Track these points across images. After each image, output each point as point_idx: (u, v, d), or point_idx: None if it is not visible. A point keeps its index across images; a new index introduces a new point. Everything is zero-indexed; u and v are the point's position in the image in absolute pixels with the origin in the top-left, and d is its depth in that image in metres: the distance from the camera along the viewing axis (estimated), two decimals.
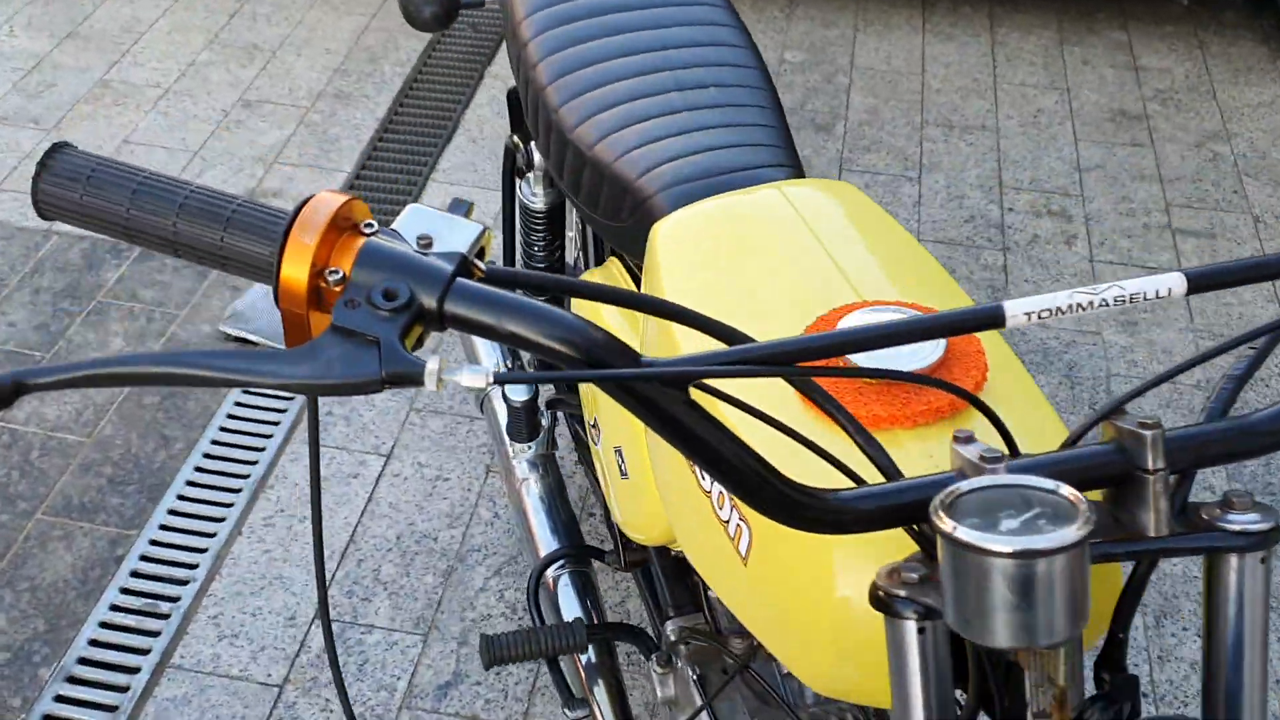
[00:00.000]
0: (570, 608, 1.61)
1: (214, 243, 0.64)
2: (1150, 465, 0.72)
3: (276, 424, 2.33)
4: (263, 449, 2.28)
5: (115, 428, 2.32)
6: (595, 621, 1.59)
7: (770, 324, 1.02)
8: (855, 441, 0.73)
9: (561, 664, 1.57)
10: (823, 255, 1.08)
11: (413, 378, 0.60)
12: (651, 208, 1.26)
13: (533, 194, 1.60)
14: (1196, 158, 3.13)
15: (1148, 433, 0.72)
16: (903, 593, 0.70)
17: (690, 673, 1.35)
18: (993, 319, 0.68)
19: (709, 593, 1.39)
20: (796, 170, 1.29)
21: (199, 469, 2.24)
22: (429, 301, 0.63)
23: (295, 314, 0.64)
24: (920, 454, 0.87)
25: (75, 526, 2.14)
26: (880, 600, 0.72)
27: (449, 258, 0.64)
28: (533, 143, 1.57)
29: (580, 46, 1.45)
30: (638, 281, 1.40)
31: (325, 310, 0.63)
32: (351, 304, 0.62)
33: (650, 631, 1.51)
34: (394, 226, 0.66)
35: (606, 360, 0.63)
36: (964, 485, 0.65)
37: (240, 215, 0.64)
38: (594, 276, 1.45)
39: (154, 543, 2.11)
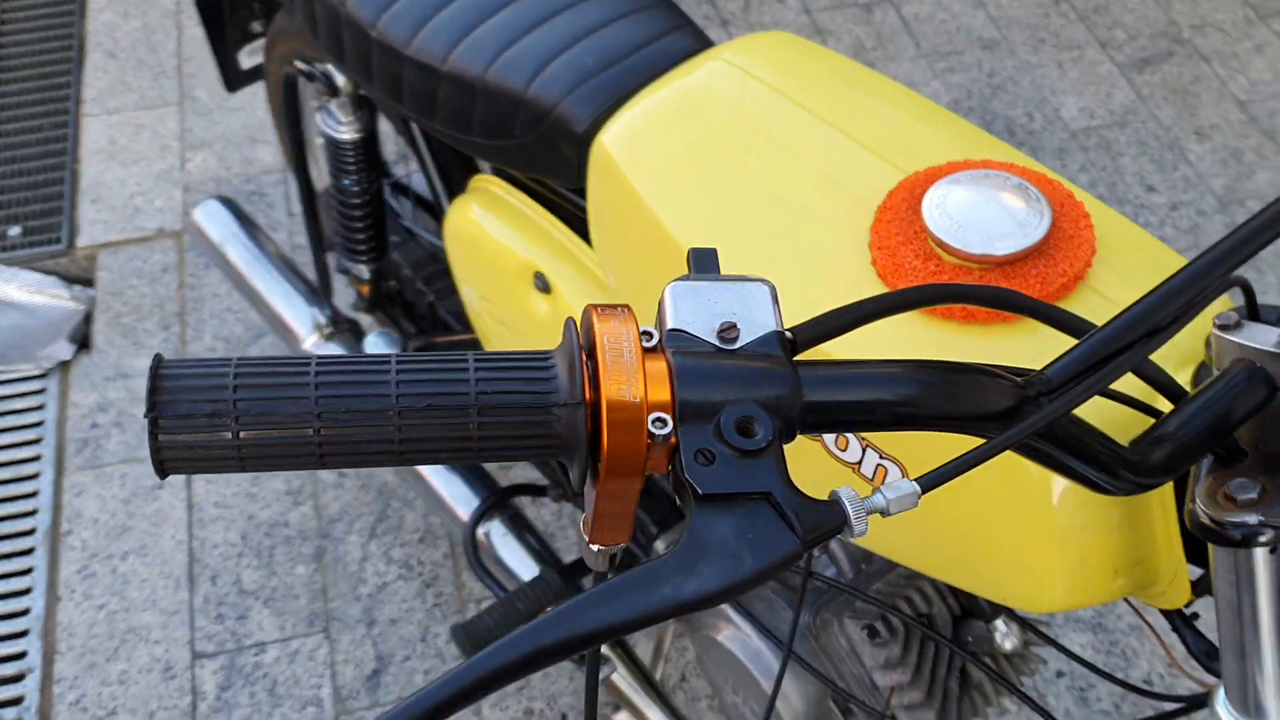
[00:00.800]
0: (522, 560, 1.46)
1: (464, 435, 0.43)
2: None
3: (36, 457, 1.96)
4: (34, 492, 1.92)
5: None
6: (562, 563, 1.45)
7: (810, 218, 0.88)
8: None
9: None
10: (818, 122, 0.94)
11: (834, 526, 0.44)
12: (561, 119, 1.06)
13: (339, 124, 1.34)
14: None
15: None
16: (1248, 519, 0.62)
17: None
18: None
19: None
20: (695, 29, 1.12)
21: None
22: (790, 414, 0.46)
23: (624, 492, 0.45)
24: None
25: None
26: (1210, 528, 0.63)
27: (767, 343, 0.46)
28: (329, 65, 1.29)
29: None
30: (536, 196, 1.20)
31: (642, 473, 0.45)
32: (705, 457, 0.44)
33: (637, 551, 1.39)
34: (670, 324, 0.47)
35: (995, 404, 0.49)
36: None
37: (490, 380, 0.44)
38: (471, 202, 1.23)
39: None
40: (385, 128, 1.45)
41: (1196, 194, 2.30)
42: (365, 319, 1.68)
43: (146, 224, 2.31)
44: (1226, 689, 0.73)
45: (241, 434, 0.43)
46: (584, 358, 0.45)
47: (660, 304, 0.48)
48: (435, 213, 1.57)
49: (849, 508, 0.45)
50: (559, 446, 0.45)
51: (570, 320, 0.47)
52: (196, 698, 1.71)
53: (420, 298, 1.55)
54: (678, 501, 0.46)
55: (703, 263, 0.49)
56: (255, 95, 2.45)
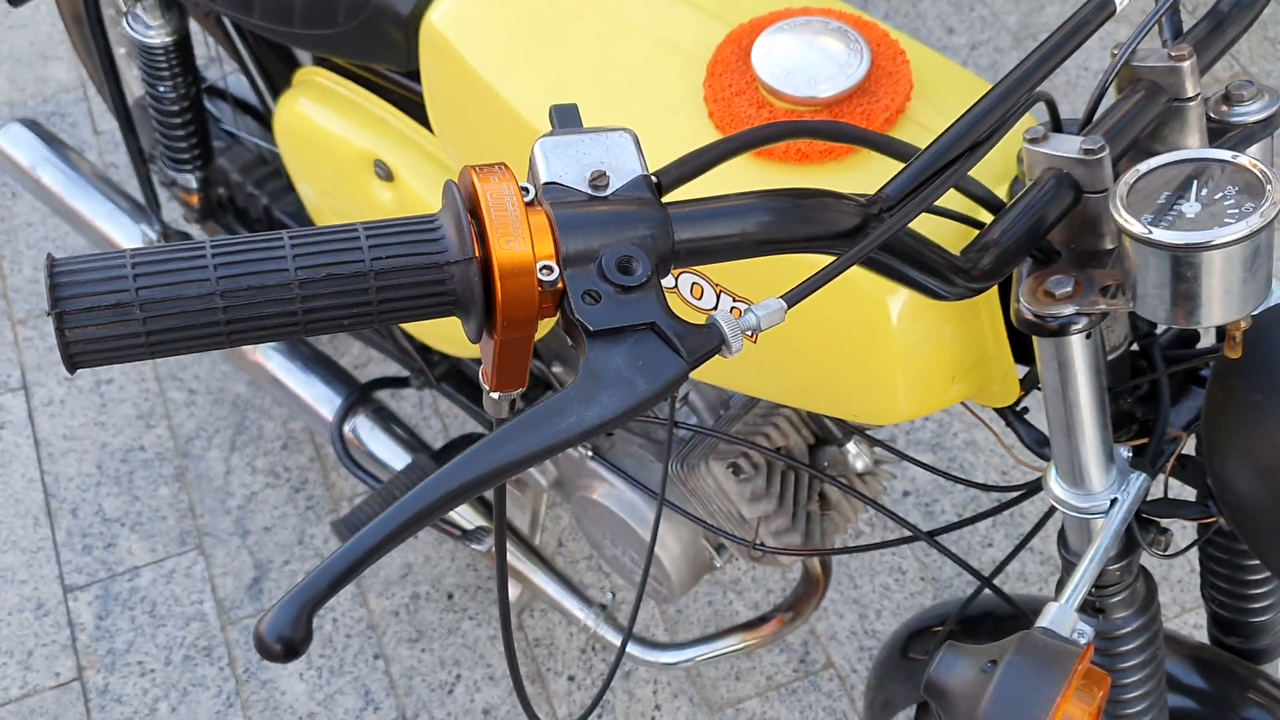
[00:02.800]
0: (392, 451, 1.48)
1: (363, 300, 0.46)
2: (1189, 92, 0.74)
3: None
4: None
5: None
6: (433, 448, 1.48)
7: (645, 78, 0.91)
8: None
9: None
10: None
11: (714, 345, 0.48)
12: (385, 2, 1.06)
13: (148, 28, 1.29)
14: None
15: (1184, 63, 0.73)
16: (1065, 310, 0.69)
17: (580, 450, 1.30)
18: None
19: (556, 368, 1.32)
20: None
21: None
22: (664, 250, 0.49)
23: (519, 340, 0.48)
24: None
25: None
26: (1034, 322, 0.71)
27: (636, 186, 0.50)
28: None
29: None
30: (366, 84, 1.20)
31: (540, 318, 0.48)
32: (591, 298, 0.47)
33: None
34: (544, 178, 0.49)
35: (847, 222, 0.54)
36: (1139, 170, 0.64)
37: (382, 247, 0.46)
38: (299, 96, 1.22)
39: None
40: (193, 28, 1.41)
41: (993, 32, 2.41)
42: (196, 230, 1.65)
43: None
44: (1057, 467, 0.82)
45: (147, 320, 0.45)
46: (468, 216, 0.48)
47: (531, 160, 0.51)
48: (258, 114, 1.54)
49: (725, 328, 0.49)
50: (454, 303, 0.48)
51: (450, 182, 0.49)
52: (75, 630, 1.70)
53: (253, 202, 1.53)
54: (569, 342, 0.50)
55: (565, 118, 0.52)
56: (38, 9, 2.31)
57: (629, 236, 0.49)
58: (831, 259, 0.55)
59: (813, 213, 0.54)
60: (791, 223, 0.53)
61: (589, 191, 0.50)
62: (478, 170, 0.48)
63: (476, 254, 0.47)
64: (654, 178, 0.52)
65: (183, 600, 1.73)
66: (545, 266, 0.47)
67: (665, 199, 0.52)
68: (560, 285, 0.48)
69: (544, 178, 0.50)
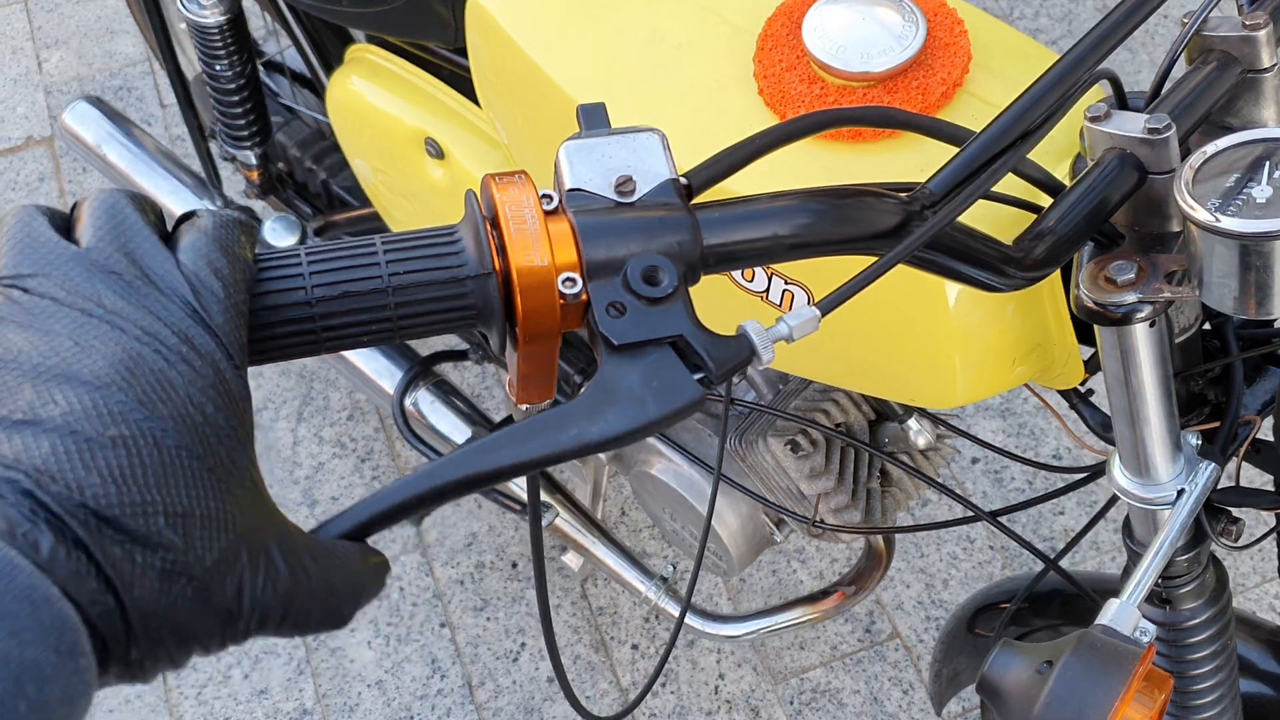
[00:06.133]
0: (453, 424, 1.48)
1: (383, 317, 0.45)
2: (1266, 63, 0.70)
3: None
4: None
5: None
6: (493, 422, 1.48)
7: (693, 53, 0.89)
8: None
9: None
10: None
11: (743, 358, 0.46)
12: None
13: (201, 8, 1.29)
14: None
15: (1259, 32, 0.69)
16: (1127, 297, 0.66)
17: None
18: None
19: None
20: None
21: None
22: (692, 257, 0.48)
23: (543, 353, 0.47)
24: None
25: None
26: (1095, 310, 0.68)
27: (664, 191, 0.48)
28: None
29: None
30: (416, 61, 1.18)
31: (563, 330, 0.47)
32: (616, 310, 0.46)
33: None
34: (568, 184, 0.48)
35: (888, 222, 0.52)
36: (1205, 152, 0.60)
37: (401, 261, 0.45)
38: (350, 74, 1.21)
39: None
40: (248, 4, 1.41)
41: None
42: (259, 205, 1.66)
43: (13, 133, 2.22)
44: (1121, 455, 0.79)
45: None
46: (488, 228, 0.47)
47: (556, 165, 0.49)
48: (315, 88, 1.53)
49: (755, 340, 0.47)
50: (476, 317, 0.47)
51: (470, 193, 0.48)
52: None
53: (312, 177, 1.53)
54: (595, 354, 0.48)
55: (592, 118, 0.51)
56: None
57: (655, 245, 0.47)
58: (872, 260, 0.52)
59: (850, 213, 0.52)
60: (828, 224, 0.51)
61: (614, 198, 0.48)
62: (497, 179, 0.47)
63: (496, 267, 0.46)
64: (683, 179, 0.50)
65: None
66: (568, 279, 0.46)
67: (698, 200, 0.51)
68: (584, 298, 0.46)
69: (568, 184, 0.48)
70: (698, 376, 0.46)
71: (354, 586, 0.44)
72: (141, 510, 0.38)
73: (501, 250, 0.46)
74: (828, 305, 0.51)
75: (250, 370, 0.45)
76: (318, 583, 0.42)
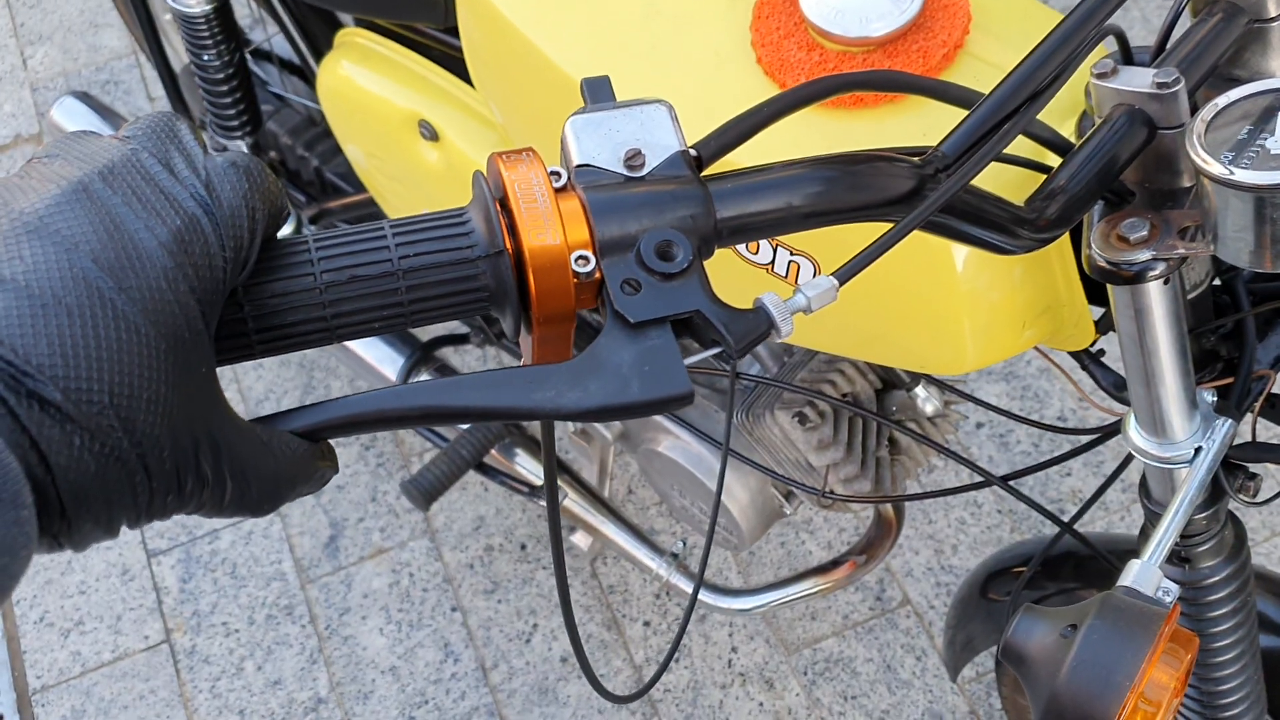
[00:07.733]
0: None
1: (394, 301, 0.44)
2: (1273, 12, 0.69)
3: None
4: None
5: None
6: None
7: (690, 25, 0.88)
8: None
9: (490, 463, 1.46)
10: None
11: (762, 331, 0.46)
12: None
13: None
14: None
15: None
16: (1140, 255, 0.66)
17: None
18: None
19: None
20: None
21: None
22: (706, 230, 0.47)
23: (558, 335, 0.46)
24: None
25: None
26: (1107, 269, 0.67)
27: (674, 164, 0.47)
28: None
29: None
30: (406, 43, 1.17)
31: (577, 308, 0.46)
32: (631, 287, 0.45)
33: None
34: (575, 160, 0.47)
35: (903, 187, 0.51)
36: (1216, 104, 0.60)
37: (411, 244, 0.44)
38: (340, 59, 1.20)
39: None
40: None
41: None
42: None
43: (1, 132, 2.20)
44: (1136, 415, 0.78)
45: None
46: (498, 208, 0.46)
47: (563, 141, 0.48)
48: (304, 75, 1.52)
49: (774, 312, 0.47)
50: (489, 300, 0.46)
51: (478, 173, 0.47)
52: (160, 593, 1.74)
53: (304, 164, 1.52)
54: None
55: (597, 92, 0.50)
56: None
57: (668, 219, 0.46)
58: (886, 226, 0.52)
59: (864, 179, 0.51)
60: (842, 192, 0.50)
61: (624, 172, 0.47)
62: (504, 158, 0.46)
63: (508, 247, 0.45)
64: (693, 151, 0.49)
65: (262, 561, 1.76)
66: (581, 257, 0.45)
67: (707, 171, 0.50)
68: (598, 275, 0.45)
69: (576, 160, 0.47)
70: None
71: (288, 479, 0.44)
72: (86, 389, 0.37)
73: (512, 230, 0.45)
74: (845, 275, 0.50)
75: (249, 363, 0.44)
76: (252, 473, 0.42)
